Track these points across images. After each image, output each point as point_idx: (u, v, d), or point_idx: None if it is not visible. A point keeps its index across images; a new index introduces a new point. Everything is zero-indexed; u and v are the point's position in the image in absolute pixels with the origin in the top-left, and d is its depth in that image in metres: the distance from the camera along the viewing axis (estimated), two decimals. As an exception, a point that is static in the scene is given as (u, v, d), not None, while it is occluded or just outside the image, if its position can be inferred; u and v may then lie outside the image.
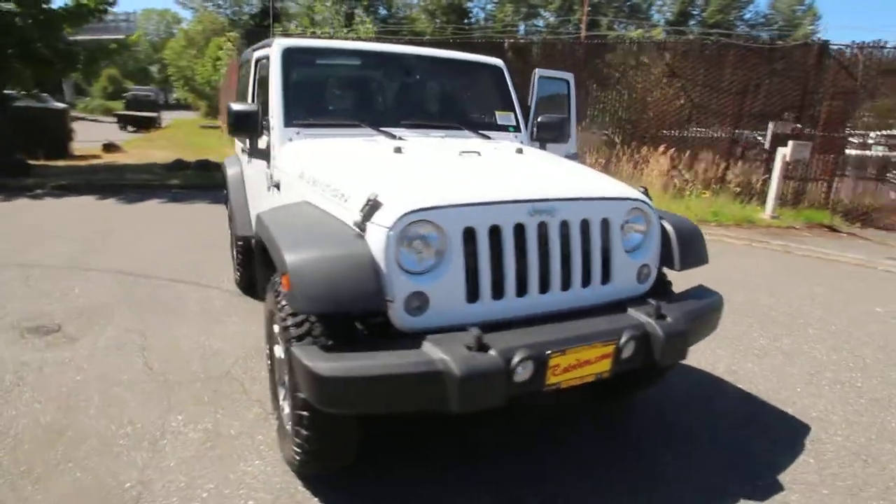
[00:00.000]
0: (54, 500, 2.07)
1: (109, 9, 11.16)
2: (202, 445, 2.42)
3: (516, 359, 1.78)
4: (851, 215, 8.53)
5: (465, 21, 40.02)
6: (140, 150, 15.53)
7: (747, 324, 4.12)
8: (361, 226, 1.87)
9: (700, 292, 2.46)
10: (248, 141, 3.38)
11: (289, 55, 2.98)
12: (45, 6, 10.24)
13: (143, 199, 8.46)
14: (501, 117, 3.45)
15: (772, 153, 8.66)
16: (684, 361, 2.47)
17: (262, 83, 3.31)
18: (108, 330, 3.57)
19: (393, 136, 2.86)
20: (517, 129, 3.45)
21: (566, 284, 2.12)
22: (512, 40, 14.48)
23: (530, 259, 2.03)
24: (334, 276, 1.75)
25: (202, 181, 10.03)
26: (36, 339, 3.40)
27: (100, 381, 2.92)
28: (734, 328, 3.94)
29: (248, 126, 2.88)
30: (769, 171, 8.74)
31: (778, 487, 2.29)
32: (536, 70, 4.07)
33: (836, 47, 8.77)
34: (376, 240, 1.82)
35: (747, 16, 42.08)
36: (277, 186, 2.83)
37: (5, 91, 10.97)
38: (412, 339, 1.84)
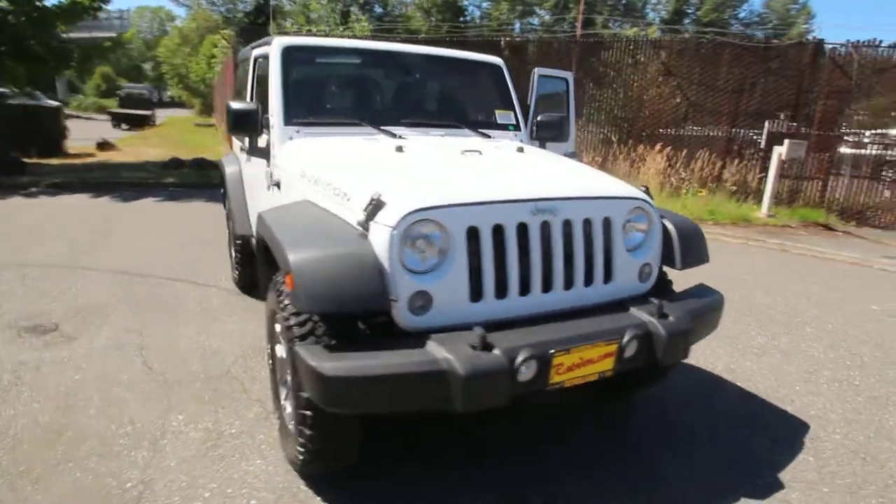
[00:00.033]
0: (54, 501, 2.06)
1: (103, 6, 11.08)
2: (203, 445, 2.41)
3: (520, 358, 1.78)
4: (847, 214, 8.59)
5: (461, 19, 40.00)
6: (134, 148, 15.44)
7: (745, 322, 4.14)
8: (365, 225, 1.87)
9: (701, 291, 2.47)
10: (247, 139, 3.36)
11: (289, 53, 2.96)
12: (38, 3, 10.16)
13: (139, 198, 8.41)
14: (501, 116, 3.45)
15: (768, 152, 8.70)
16: (684, 360, 2.48)
17: (261, 81, 3.29)
18: (105, 329, 3.55)
19: (393, 135, 2.86)
20: (517, 127, 3.45)
21: (569, 283, 2.13)
22: (508, 38, 14.47)
23: (533, 258, 2.03)
24: (338, 275, 1.75)
25: (198, 179, 9.99)
26: (33, 339, 3.37)
27: (98, 381, 2.91)
28: (732, 327, 3.96)
29: (248, 125, 2.87)
30: (765, 169, 8.79)
31: (778, 486, 2.30)
32: (536, 69, 4.08)
33: (830, 46, 8.82)
34: (380, 239, 1.82)
35: (742, 14, 42.27)
36: (278, 185, 2.82)
37: (-1, 89, 10.91)
38: (416, 338, 1.83)
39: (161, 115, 29.77)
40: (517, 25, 41.25)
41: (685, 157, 9.41)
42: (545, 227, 2.05)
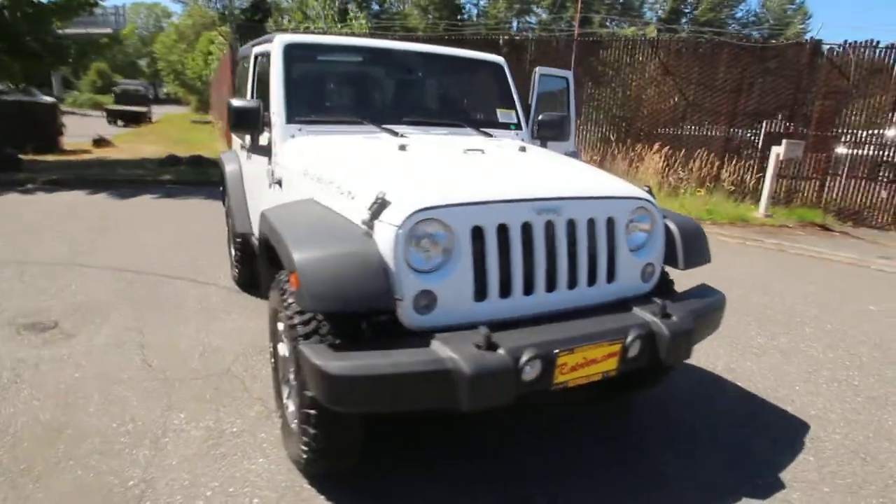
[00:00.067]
0: (56, 499, 2.05)
1: (99, 2, 11.03)
2: (204, 443, 2.41)
3: (524, 358, 1.78)
4: (843, 214, 8.63)
5: (458, 17, 39.93)
6: (130, 144, 15.35)
7: (744, 322, 4.15)
8: (370, 224, 1.86)
9: (703, 291, 2.48)
10: (248, 137, 3.35)
11: (290, 51, 2.95)
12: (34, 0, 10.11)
13: (136, 195, 8.38)
14: (502, 115, 3.45)
15: (765, 152, 8.72)
16: (687, 360, 2.49)
17: (262, 79, 3.28)
18: (105, 327, 3.54)
19: (395, 134, 2.85)
20: (518, 126, 3.45)
21: (572, 283, 2.13)
22: (507, 37, 14.46)
23: (537, 258, 2.03)
24: (343, 274, 1.74)
25: (195, 177, 9.96)
26: (32, 336, 3.36)
27: (99, 379, 2.90)
28: (731, 327, 3.97)
29: (250, 122, 2.85)
30: (763, 169, 8.81)
31: (779, 486, 2.31)
32: (537, 68, 4.07)
33: (828, 46, 8.84)
34: (385, 238, 1.82)
35: (739, 14, 42.35)
36: (279, 183, 2.81)
37: (-6, 85, 10.84)
38: (420, 337, 1.83)
39: (157, 111, 29.63)
40: (514, 24, 41.22)
41: (683, 157, 9.43)
42: (549, 227, 2.05)
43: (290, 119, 2.83)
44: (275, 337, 2.36)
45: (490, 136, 3.18)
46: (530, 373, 1.81)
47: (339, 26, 22.31)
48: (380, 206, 1.85)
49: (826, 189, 8.90)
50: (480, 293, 1.95)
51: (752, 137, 9.50)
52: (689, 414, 2.86)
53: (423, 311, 1.87)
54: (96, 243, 5.48)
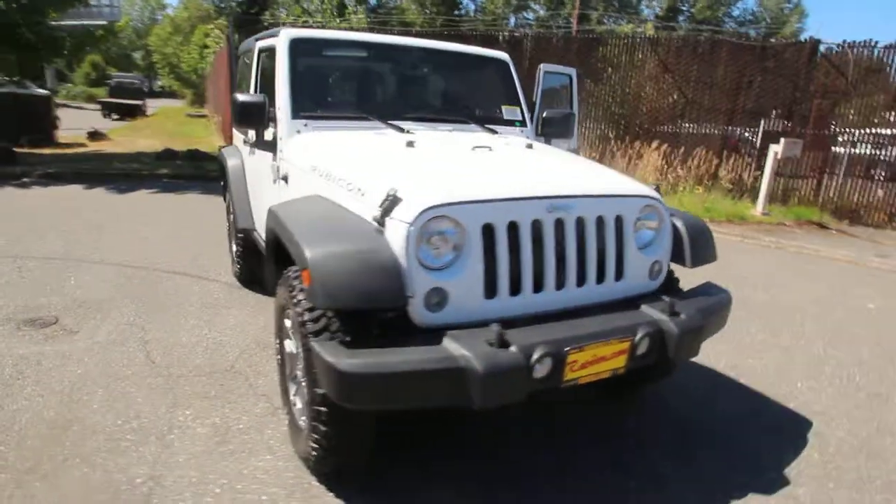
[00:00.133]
0: (63, 497, 2.04)
1: (95, -7, 10.92)
2: (211, 440, 2.40)
3: (536, 355, 1.79)
4: (840, 212, 8.67)
5: (455, 12, 39.78)
6: (126, 138, 15.24)
7: (746, 320, 4.16)
8: (381, 221, 1.85)
9: (710, 289, 2.49)
10: (251, 132, 3.32)
11: (296, 46, 2.93)
12: (29, -10, 10.00)
13: (133, 189, 8.32)
14: (507, 112, 3.44)
15: (763, 150, 8.75)
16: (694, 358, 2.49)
17: (266, 74, 3.26)
18: (107, 323, 3.52)
19: (401, 130, 2.84)
20: (523, 123, 3.44)
21: (581, 281, 2.13)
22: (507, 33, 14.42)
23: (547, 255, 2.03)
24: (356, 271, 1.74)
25: (193, 171, 9.89)
26: (33, 332, 3.33)
27: (102, 375, 2.88)
28: (732, 324, 3.94)
29: (255, 118, 2.83)
30: (761, 167, 8.84)
31: (785, 482, 2.33)
32: (542, 65, 4.06)
33: (826, 46, 8.87)
34: (396, 235, 1.81)
35: (735, 13, 42.41)
36: (285, 179, 2.79)
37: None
38: (431, 335, 1.83)
39: (152, 105, 29.42)
40: (512, 20, 41.13)
41: (682, 155, 9.45)
42: (559, 225, 2.05)
43: (296, 114, 2.81)
44: (281, 333, 2.35)
45: (495, 132, 3.17)
46: (541, 370, 1.82)
47: (338, 21, 22.19)
48: (391, 203, 1.84)
49: (823, 187, 8.94)
50: (491, 290, 1.95)
51: (751, 136, 9.52)
52: (691, 412, 2.87)
53: (434, 309, 1.86)
54: (95, 238, 5.44)
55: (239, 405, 2.68)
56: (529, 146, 2.87)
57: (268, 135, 2.99)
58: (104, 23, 16.32)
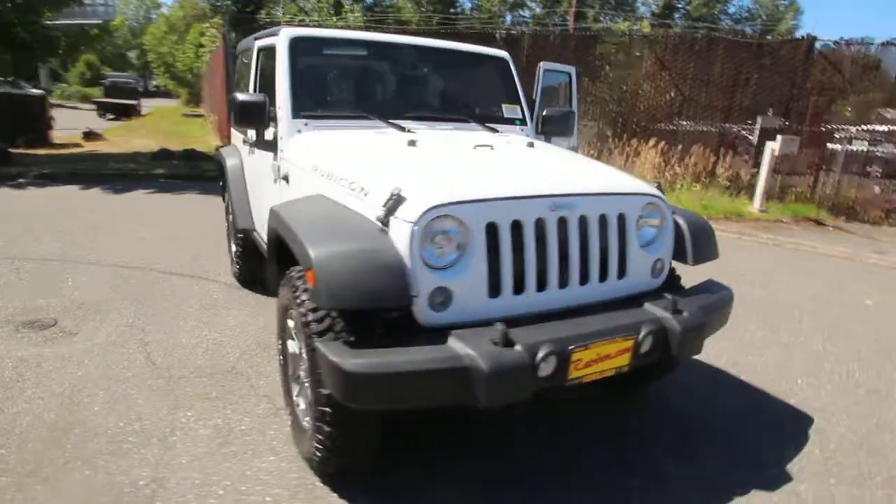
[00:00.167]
0: (65, 501, 2.03)
1: (90, -8, 10.86)
2: (213, 442, 2.39)
3: (541, 354, 1.79)
4: (837, 209, 8.70)
5: (452, 10, 39.70)
6: (121, 138, 15.18)
7: (744, 317, 4.16)
8: (385, 220, 1.85)
9: (712, 286, 2.49)
10: (250, 132, 3.31)
11: (296, 44, 2.92)
12: (23, -11, 9.94)
13: (130, 190, 8.28)
14: (507, 110, 3.44)
15: (760, 148, 8.77)
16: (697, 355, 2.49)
17: (266, 73, 3.24)
18: (106, 324, 3.50)
19: (402, 129, 2.83)
20: (523, 122, 3.44)
21: (584, 279, 2.13)
22: (504, 31, 14.41)
23: (550, 254, 2.03)
24: (361, 271, 1.73)
25: (189, 171, 9.86)
26: (32, 334, 3.32)
27: (102, 377, 2.87)
28: (731, 321, 3.95)
29: (255, 117, 2.82)
30: (758, 165, 8.86)
31: (786, 478, 2.34)
32: (542, 63, 4.06)
33: (822, 43, 8.89)
34: (401, 235, 1.81)
35: (731, 10, 42.43)
36: (286, 179, 2.78)
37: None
38: (435, 334, 1.83)
39: (147, 104, 29.30)
40: (508, 18, 41.06)
41: (679, 152, 9.46)
42: (562, 223, 2.04)
43: (297, 114, 2.80)
44: (284, 334, 2.34)
45: (496, 131, 3.16)
46: (546, 369, 1.82)
47: (335, 19, 22.12)
48: (395, 202, 1.84)
49: (820, 184, 8.97)
50: (494, 289, 1.95)
51: (748, 135, 9.54)
52: (693, 410, 2.87)
53: (438, 308, 1.86)
54: (92, 239, 5.41)
55: (241, 406, 2.67)
56: (531, 145, 2.87)
57: (268, 134, 2.97)
58: (99, 22, 16.25)
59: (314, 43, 3.05)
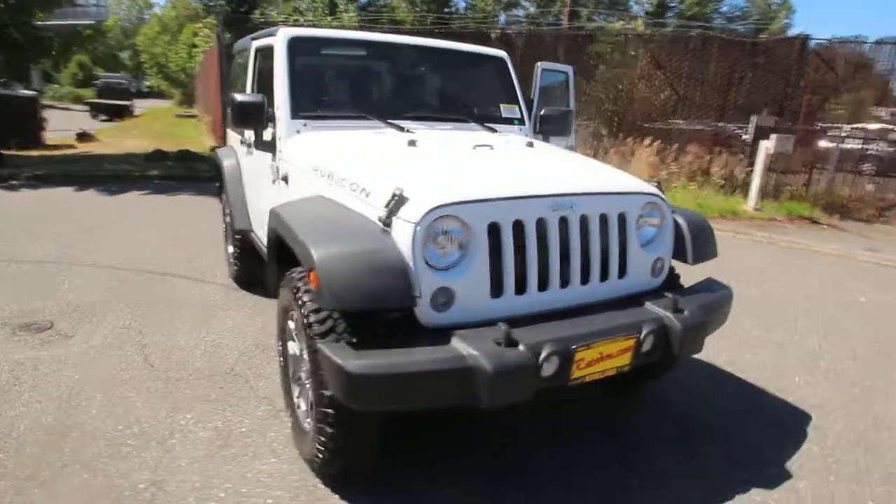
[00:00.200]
0: (65, 504, 2.01)
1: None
2: (213, 444, 2.38)
3: (544, 353, 1.79)
4: (831, 207, 8.76)
5: (446, 10, 39.68)
6: (115, 139, 15.07)
7: (740, 315, 4.16)
8: (387, 221, 1.85)
9: (711, 285, 2.50)
10: (248, 133, 3.30)
11: (295, 45, 2.90)
12: (15, -11, 9.85)
13: (125, 191, 8.23)
14: (506, 110, 3.44)
15: (755, 146, 8.81)
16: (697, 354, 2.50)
17: (263, 74, 3.23)
18: (103, 326, 3.48)
19: (402, 129, 2.82)
20: (521, 121, 3.44)
21: (585, 278, 2.13)
22: (499, 30, 14.43)
23: (552, 254, 2.03)
24: (364, 272, 1.73)
25: (183, 172, 9.81)
26: (28, 337, 3.29)
27: (100, 380, 2.85)
28: (729, 320, 3.99)
29: (254, 118, 2.80)
30: (752, 163, 8.91)
31: (785, 475, 2.35)
32: (539, 63, 4.06)
33: (816, 42, 8.96)
34: (403, 235, 1.80)
35: (724, 9, 42.60)
36: (285, 179, 2.77)
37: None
38: (438, 335, 1.83)
39: (140, 105, 29.15)
40: (502, 17, 41.08)
41: (675, 151, 9.50)
42: (563, 223, 2.05)
43: (295, 114, 2.79)
44: (284, 335, 2.33)
45: (495, 131, 3.16)
46: (549, 368, 1.82)
47: (329, 19, 22.05)
48: (397, 203, 1.83)
49: (814, 182, 9.03)
50: (497, 289, 1.95)
51: (743, 135, 9.59)
52: (692, 408, 2.88)
53: (440, 309, 1.86)
54: (87, 241, 5.38)
55: (240, 408, 2.66)
56: (530, 144, 2.87)
57: (266, 135, 2.96)
58: (91, 22, 16.15)
59: (313, 43, 3.04)
